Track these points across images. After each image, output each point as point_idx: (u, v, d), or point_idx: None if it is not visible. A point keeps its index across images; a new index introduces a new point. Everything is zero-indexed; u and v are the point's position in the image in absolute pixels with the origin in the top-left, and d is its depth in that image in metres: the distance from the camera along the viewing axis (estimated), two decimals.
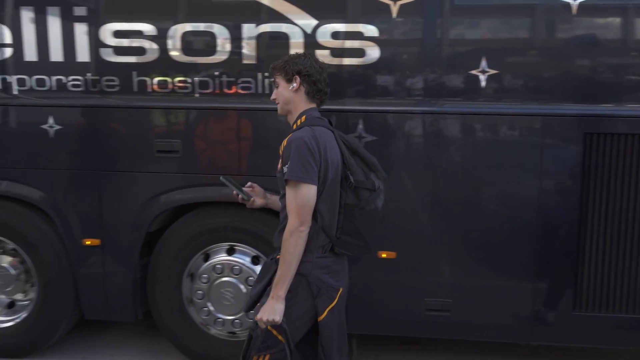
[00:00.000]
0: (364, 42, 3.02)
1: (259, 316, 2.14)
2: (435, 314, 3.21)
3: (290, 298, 2.15)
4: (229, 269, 3.35)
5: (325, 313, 2.22)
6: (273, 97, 2.35)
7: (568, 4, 2.86)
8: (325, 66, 2.37)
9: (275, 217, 3.25)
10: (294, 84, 2.23)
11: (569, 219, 3.04)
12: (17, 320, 3.57)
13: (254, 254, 3.36)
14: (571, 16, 2.90)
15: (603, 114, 2.96)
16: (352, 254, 2.37)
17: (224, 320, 3.40)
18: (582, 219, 3.02)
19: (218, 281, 3.35)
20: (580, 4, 2.85)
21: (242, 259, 3.36)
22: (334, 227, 2.22)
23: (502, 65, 2.99)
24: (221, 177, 2.47)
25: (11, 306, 3.68)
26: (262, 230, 3.24)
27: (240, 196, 2.44)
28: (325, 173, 2.14)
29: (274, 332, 2.17)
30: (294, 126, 2.26)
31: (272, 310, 2.10)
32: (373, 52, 3.02)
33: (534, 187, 3.03)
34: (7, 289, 3.63)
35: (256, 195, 2.47)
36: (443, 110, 3.08)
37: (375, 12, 3.01)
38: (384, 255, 3.18)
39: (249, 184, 2.50)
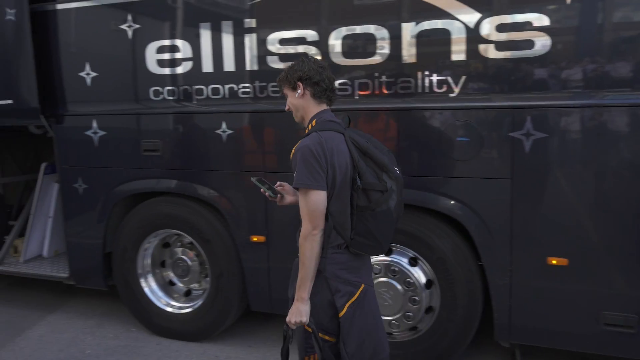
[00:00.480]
0: (532, 32, 2.83)
1: (287, 319, 2.26)
2: (616, 330, 2.89)
3: (313, 295, 2.25)
4: (387, 269, 3.36)
5: (345, 309, 2.28)
6: (286, 107, 2.44)
7: None
8: (325, 65, 2.37)
9: (431, 217, 3.21)
10: (299, 90, 2.33)
11: None
12: (194, 307, 3.96)
13: (411, 255, 3.33)
14: None
15: None
16: (368, 254, 2.37)
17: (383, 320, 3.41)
18: None
19: (376, 281, 3.37)
20: None
21: (399, 260, 3.35)
22: (348, 228, 2.25)
23: None
24: (251, 178, 2.51)
25: (188, 294, 4.10)
26: (418, 231, 3.21)
27: (267, 193, 2.46)
28: (334, 177, 2.20)
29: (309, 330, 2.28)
30: (306, 131, 2.34)
31: (298, 313, 2.23)
32: (543, 43, 2.82)
33: None
34: (185, 279, 4.05)
35: (286, 193, 2.51)
36: (623, 102, 2.76)
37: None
38: (554, 262, 2.95)
39: (278, 183, 2.53)
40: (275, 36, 3.35)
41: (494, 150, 3.00)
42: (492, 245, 3.07)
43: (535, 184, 2.96)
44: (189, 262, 3.99)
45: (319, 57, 3.23)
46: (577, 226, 2.92)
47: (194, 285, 4.05)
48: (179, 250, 4.06)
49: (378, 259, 3.38)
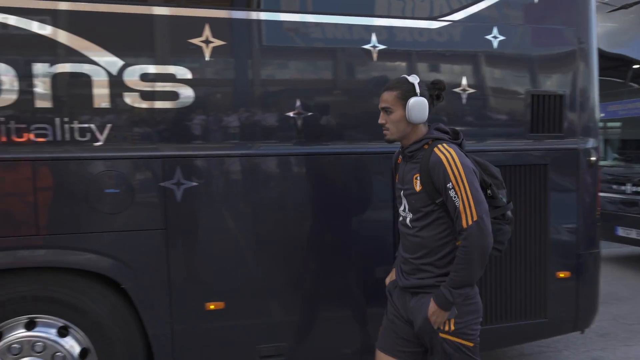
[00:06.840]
0: (176, 84, 2.86)
1: None
2: None
3: None
4: (30, 347, 2.84)
5: None
6: None
7: None
8: None
9: (83, 278, 2.86)
10: None
11: None
12: None
13: (61, 325, 2.88)
14: None
15: None
16: None
17: None
18: None
19: None
20: None
21: (45, 332, 2.87)
22: None
23: None
24: None
25: None
26: (69, 296, 2.84)
27: None
28: None
29: None
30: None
31: None
32: (187, 94, 2.88)
33: None
34: None
35: None
36: (270, 152, 3.06)
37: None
38: (211, 307, 2.99)
39: None
40: None
41: (145, 201, 2.88)
42: (150, 299, 2.93)
43: (190, 232, 2.97)
44: None
45: None
46: (231, 270, 3.03)
47: None
48: None
49: (18, 335, 2.84)
